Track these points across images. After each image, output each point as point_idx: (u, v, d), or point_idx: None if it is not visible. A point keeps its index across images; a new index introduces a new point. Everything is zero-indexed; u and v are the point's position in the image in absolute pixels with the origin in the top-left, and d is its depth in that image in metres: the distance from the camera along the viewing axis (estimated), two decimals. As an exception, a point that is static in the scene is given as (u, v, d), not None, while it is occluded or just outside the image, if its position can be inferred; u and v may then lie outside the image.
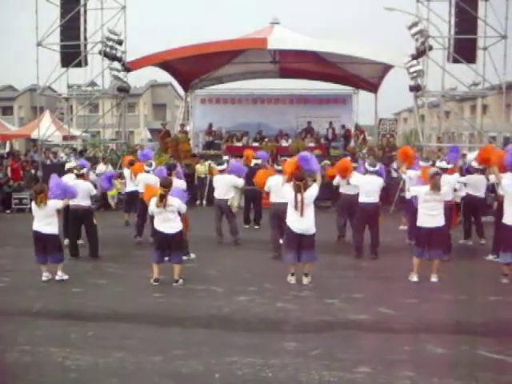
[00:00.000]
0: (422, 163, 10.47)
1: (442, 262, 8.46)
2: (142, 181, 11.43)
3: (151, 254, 8.33)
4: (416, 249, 8.51)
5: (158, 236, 8.23)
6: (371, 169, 9.93)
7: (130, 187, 12.82)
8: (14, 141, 32.83)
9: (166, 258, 8.28)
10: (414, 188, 8.87)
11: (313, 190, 8.14)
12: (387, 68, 20.00)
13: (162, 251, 8.21)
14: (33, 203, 8.47)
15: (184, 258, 9.36)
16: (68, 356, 5.48)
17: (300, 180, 8.05)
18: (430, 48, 15.96)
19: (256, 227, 13.26)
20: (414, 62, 16.32)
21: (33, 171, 19.08)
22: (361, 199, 9.91)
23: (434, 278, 8.29)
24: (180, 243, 8.31)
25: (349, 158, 11.78)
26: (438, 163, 10.29)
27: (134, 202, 11.88)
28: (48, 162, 20.49)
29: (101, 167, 16.86)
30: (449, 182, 9.44)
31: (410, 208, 10.29)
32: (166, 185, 8.14)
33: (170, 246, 8.15)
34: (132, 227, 11.90)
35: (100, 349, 5.69)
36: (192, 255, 9.79)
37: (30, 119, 37.61)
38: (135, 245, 11.14)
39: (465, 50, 15.82)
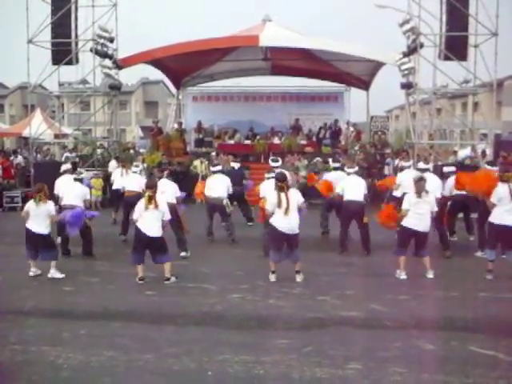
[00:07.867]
0: (445, 169, 11.41)
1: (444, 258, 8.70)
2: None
3: (131, 255, 8.26)
4: (398, 248, 8.50)
5: (140, 237, 8.06)
6: (351, 170, 10.36)
7: (116, 185, 12.79)
8: (6, 139, 32.69)
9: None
10: (404, 203, 8.59)
11: (298, 195, 8.19)
12: (379, 65, 20.06)
13: (142, 252, 8.14)
14: (30, 202, 8.46)
15: (182, 254, 9.46)
16: (60, 355, 5.46)
17: (282, 181, 8.10)
18: (422, 45, 16.03)
19: (250, 224, 13.23)
20: (406, 59, 16.39)
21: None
22: (345, 197, 10.05)
23: (430, 275, 8.34)
24: (163, 245, 8.20)
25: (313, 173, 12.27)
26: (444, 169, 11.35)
27: (120, 200, 11.91)
28: (39, 157, 20.46)
29: (113, 164, 16.66)
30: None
31: (398, 206, 10.30)
32: (151, 186, 8.19)
33: (153, 249, 8.08)
34: (119, 225, 11.85)
35: (92, 347, 5.68)
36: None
37: (21, 117, 37.46)
38: (123, 243, 11.10)
39: (456, 47, 15.90)
